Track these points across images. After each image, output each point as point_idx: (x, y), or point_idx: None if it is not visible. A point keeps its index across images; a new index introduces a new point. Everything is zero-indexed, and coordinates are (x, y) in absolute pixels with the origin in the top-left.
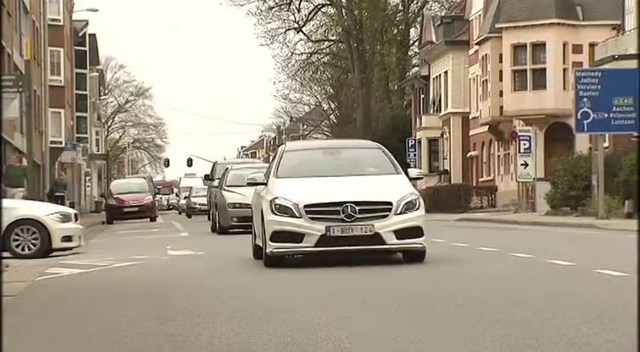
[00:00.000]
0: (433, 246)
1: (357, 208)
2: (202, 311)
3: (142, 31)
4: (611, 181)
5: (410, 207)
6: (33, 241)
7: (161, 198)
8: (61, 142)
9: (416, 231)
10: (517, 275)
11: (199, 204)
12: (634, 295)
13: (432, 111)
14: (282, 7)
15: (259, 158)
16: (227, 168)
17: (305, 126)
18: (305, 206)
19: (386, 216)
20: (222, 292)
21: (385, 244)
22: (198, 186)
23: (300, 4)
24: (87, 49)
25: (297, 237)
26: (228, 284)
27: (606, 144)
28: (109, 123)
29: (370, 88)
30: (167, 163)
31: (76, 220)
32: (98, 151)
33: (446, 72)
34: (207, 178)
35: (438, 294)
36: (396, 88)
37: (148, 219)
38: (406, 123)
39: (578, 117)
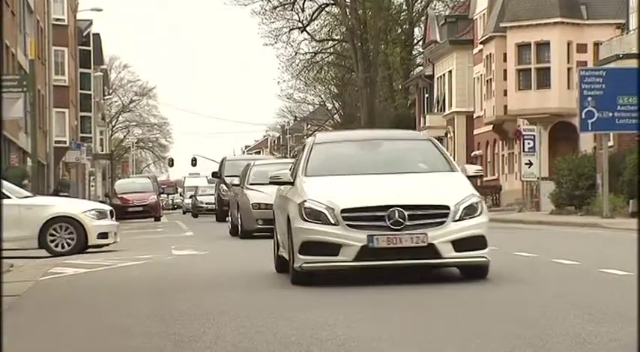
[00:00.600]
0: None
1: (407, 213)
2: (207, 311)
3: (146, 31)
4: (616, 180)
5: (471, 211)
6: (69, 238)
7: (167, 197)
8: (65, 142)
9: (478, 242)
10: (521, 275)
11: (206, 203)
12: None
13: (436, 111)
14: (287, 6)
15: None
16: (249, 165)
17: (309, 126)
18: (342, 211)
19: (442, 223)
20: (226, 292)
21: (441, 257)
22: (205, 184)
23: (304, 3)
24: (91, 48)
25: (332, 248)
26: (233, 283)
27: (611, 144)
28: (113, 123)
29: (374, 88)
30: (171, 163)
31: (112, 217)
32: (102, 151)
33: (450, 71)
34: (215, 176)
35: (442, 293)
36: (400, 87)
37: (153, 219)
38: (410, 122)
39: (583, 116)
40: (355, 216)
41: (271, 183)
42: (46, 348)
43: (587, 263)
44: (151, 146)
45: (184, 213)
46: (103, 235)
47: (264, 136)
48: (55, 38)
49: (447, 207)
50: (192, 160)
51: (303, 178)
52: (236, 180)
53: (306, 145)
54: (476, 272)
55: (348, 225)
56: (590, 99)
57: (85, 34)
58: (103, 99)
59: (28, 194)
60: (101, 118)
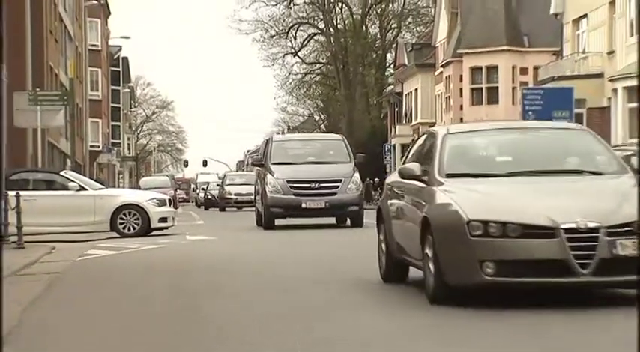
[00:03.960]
0: None
1: None
2: (221, 285)
3: (166, 55)
4: None
5: None
6: (135, 222)
7: (193, 191)
8: (98, 146)
9: None
10: None
11: (235, 194)
12: None
13: (404, 122)
14: (282, 35)
15: None
16: (433, 134)
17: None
18: None
19: None
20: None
21: None
22: (215, 180)
23: (296, 33)
24: (120, 69)
25: None
26: (237, 261)
27: None
28: (138, 131)
29: (354, 103)
30: (186, 164)
31: (170, 205)
32: (129, 154)
33: (416, 89)
34: (257, 164)
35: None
36: (375, 102)
37: None
38: (383, 131)
39: None
40: None
41: None
42: (82, 314)
43: None
44: (170, 150)
45: (199, 206)
46: (163, 219)
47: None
48: (90, 61)
49: None
50: (203, 162)
51: None
52: (414, 167)
53: None
54: None
55: None
56: (530, 113)
57: (115, 57)
58: (130, 111)
59: (102, 186)
60: (128, 127)
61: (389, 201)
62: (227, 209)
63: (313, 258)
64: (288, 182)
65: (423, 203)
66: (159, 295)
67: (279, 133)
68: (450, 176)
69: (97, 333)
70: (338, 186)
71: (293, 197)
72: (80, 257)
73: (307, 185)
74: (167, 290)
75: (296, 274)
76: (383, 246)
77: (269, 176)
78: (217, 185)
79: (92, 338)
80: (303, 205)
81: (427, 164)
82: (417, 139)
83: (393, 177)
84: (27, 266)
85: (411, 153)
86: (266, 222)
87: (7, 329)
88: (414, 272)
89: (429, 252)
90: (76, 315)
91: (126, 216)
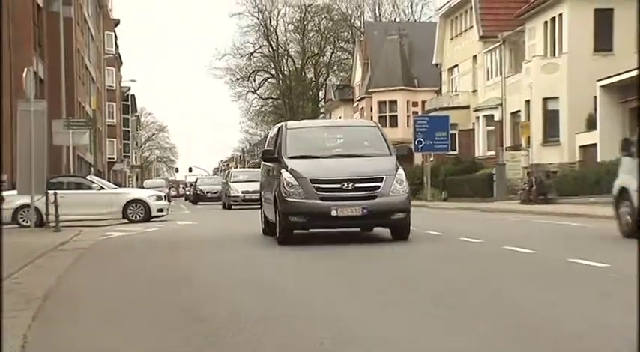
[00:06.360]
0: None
1: None
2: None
3: (162, 92)
4: (435, 180)
5: None
6: (140, 212)
7: (184, 190)
8: (114, 158)
9: None
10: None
11: (242, 192)
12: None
13: None
14: (244, 79)
15: (234, 166)
16: None
17: (258, 149)
18: None
19: None
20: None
21: None
22: (237, 169)
23: (255, 77)
24: (129, 103)
25: None
26: (215, 238)
27: (432, 159)
28: (142, 147)
29: None
30: (177, 170)
31: (165, 199)
32: (136, 163)
33: (340, 117)
34: (268, 158)
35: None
36: None
37: None
38: None
39: (416, 143)
40: None
41: None
42: (102, 278)
43: (418, 226)
44: (165, 160)
45: (189, 201)
46: (160, 210)
47: (232, 154)
48: (107, 97)
49: None
50: (189, 168)
51: None
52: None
53: None
54: None
55: None
56: (420, 133)
57: (125, 95)
58: (136, 133)
59: (116, 186)
60: (135, 144)
61: None
62: (233, 207)
63: None
64: (312, 181)
65: None
66: (157, 262)
67: (249, 148)
68: None
69: (114, 290)
70: (379, 187)
71: (319, 202)
72: (101, 237)
73: (338, 185)
74: (163, 259)
75: None
76: None
77: (285, 174)
78: (222, 181)
79: (110, 294)
80: (333, 212)
81: None
82: None
83: None
84: (62, 244)
85: None
86: (282, 234)
87: (47, 289)
88: None
89: None
90: (98, 278)
91: (133, 208)
